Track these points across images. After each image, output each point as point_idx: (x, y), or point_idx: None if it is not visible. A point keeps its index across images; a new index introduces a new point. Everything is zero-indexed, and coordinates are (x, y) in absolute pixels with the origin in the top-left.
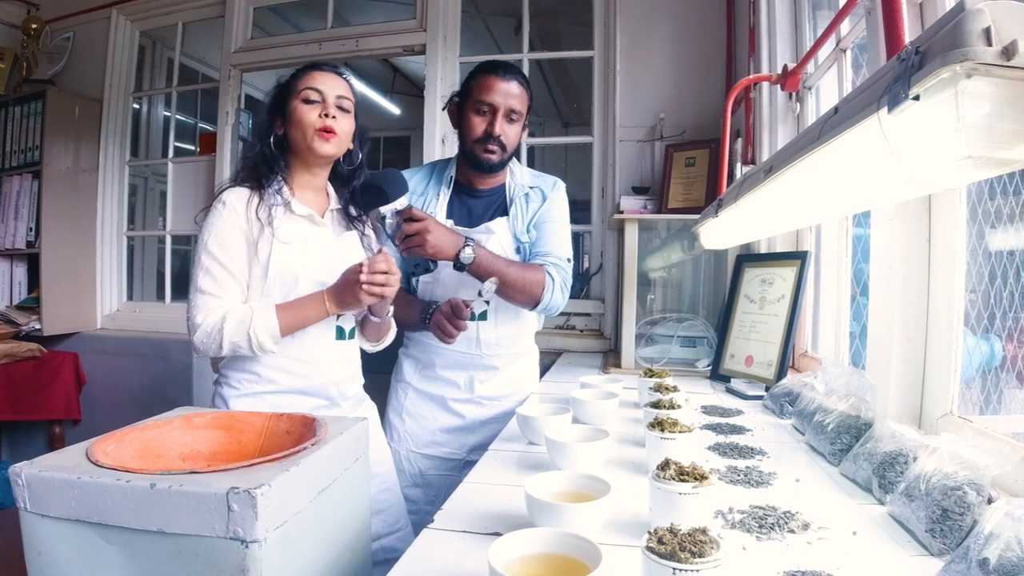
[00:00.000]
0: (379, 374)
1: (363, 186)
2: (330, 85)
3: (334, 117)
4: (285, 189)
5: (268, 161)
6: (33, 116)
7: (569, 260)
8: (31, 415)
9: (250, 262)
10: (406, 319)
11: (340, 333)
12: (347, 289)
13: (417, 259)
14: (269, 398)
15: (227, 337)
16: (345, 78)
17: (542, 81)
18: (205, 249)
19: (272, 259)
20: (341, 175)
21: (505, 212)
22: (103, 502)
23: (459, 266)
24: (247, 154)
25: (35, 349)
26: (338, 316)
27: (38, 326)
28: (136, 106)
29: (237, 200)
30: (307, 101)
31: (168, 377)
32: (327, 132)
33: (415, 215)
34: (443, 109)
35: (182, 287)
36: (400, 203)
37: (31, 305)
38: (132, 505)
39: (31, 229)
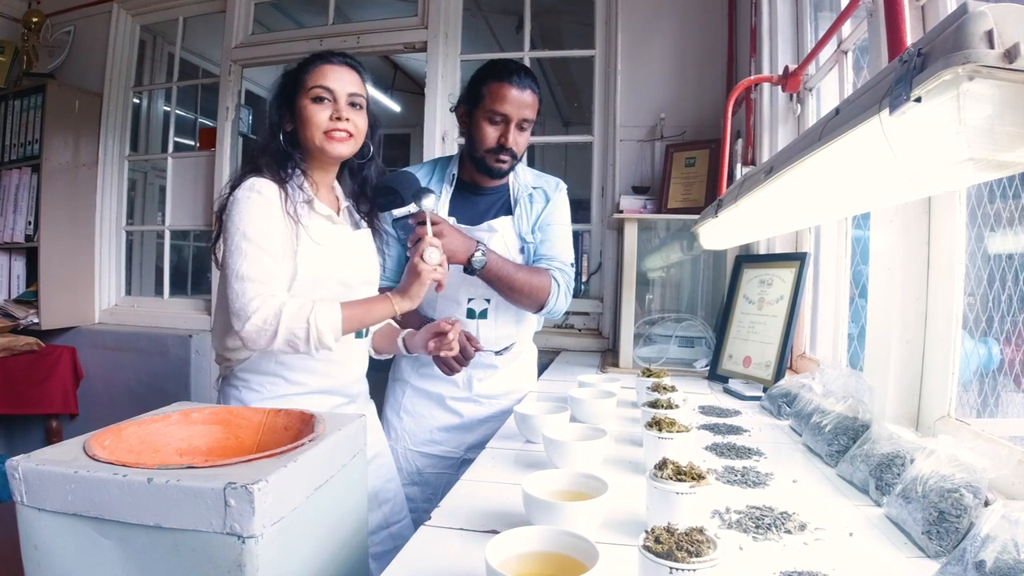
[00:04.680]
0: (377, 372)
1: (377, 188)
2: (341, 81)
3: (347, 119)
4: (307, 185)
5: (285, 157)
6: (33, 110)
7: (572, 264)
8: (28, 409)
9: (286, 256)
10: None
11: (359, 331)
12: (411, 281)
13: None
14: (295, 399)
15: (284, 326)
16: (357, 69)
17: (543, 79)
18: (243, 236)
19: (304, 259)
20: (352, 167)
21: (508, 211)
22: (100, 496)
23: (470, 270)
24: (271, 150)
25: (33, 343)
26: None
27: (36, 320)
28: (136, 101)
29: (270, 191)
30: (317, 100)
31: (166, 372)
32: (338, 133)
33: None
34: (451, 110)
35: (180, 282)
36: (414, 206)
37: (29, 299)
38: (129, 499)
39: (30, 223)
